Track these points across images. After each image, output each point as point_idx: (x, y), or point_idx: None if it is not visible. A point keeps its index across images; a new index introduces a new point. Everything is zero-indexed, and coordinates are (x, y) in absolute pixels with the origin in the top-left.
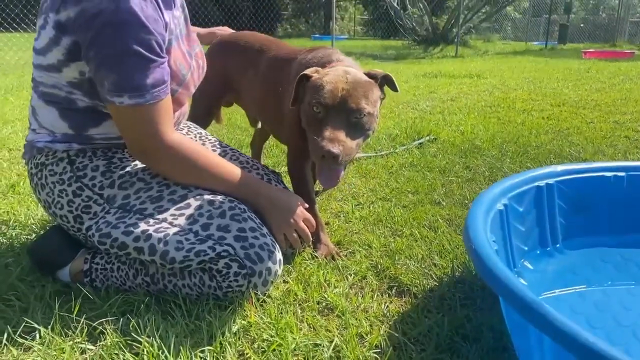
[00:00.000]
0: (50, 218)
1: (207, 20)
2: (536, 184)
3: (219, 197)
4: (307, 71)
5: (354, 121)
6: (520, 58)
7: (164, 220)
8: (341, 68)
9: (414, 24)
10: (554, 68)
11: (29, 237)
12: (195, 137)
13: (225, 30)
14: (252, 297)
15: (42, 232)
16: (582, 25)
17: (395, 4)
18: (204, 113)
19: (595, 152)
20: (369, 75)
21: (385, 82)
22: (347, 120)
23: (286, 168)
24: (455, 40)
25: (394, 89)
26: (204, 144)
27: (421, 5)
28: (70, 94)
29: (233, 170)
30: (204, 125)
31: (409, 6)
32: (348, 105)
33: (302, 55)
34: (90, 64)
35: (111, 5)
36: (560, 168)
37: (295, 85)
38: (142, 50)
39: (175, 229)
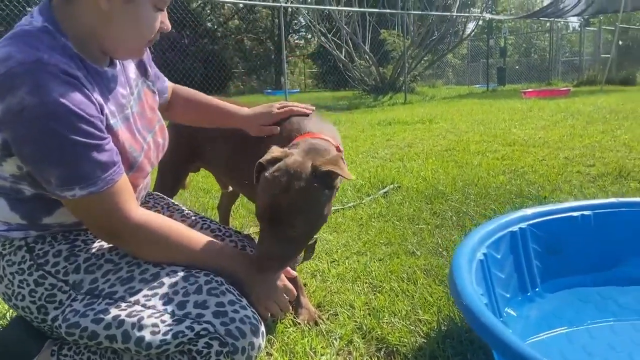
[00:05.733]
0: (12, 310)
1: None
2: (510, 229)
3: (194, 272)
4: (264, 159)
5: (291, 235)
6: (466, 101)
7: (137, 302)
8: (290, 164)
9: (362, 75)
10: (499, 109)
11: None
12: (163, 208)
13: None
14: None
15: (1, 326)
16: (517, 67)
17: (343, 57)
18: (172, 183)
19: (554, 190)
20: (315, 171)
21: (334, 176)
22: (283, 234)
23: (255, 229)
24: (403, 87)
25: (347, 177)
26: (172, 215)
27: (367, 57)
28: (15, 184)
29: (207, 244)
30: (172, 194)
31: (356, 58)
32: (284, 222)
33: None
34: (26, 162)
35: (34, 100)
36: (529, 211)
37: (255, 170)
38: (81, 138)
39: (150, 311)
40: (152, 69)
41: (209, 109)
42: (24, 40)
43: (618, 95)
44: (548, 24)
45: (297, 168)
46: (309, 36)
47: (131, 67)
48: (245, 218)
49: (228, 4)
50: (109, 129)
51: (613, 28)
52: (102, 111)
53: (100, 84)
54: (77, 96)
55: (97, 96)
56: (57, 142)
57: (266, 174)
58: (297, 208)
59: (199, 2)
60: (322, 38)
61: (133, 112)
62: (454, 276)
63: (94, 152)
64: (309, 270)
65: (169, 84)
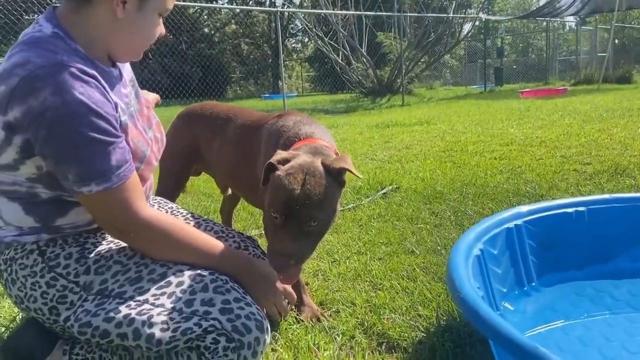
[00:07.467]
0: (22, 313)
1: (156, 89)
2: (505, 226)
3: (200, 271)
4: (274, 159)
5: (307, 230)
6: (463, 102)
7: (146, 301)
8: (302, 163)
9: (360, 78)
10: (496, 109)
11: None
12: (167, 212)
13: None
14: None
15: (14, 328)
16: (514, 67)
17: (340, 60)
18: (173, 186)
19: (550, 188)
20: (326, 168)
21: (344, 173)
22: (301, 228)
23: (257, 231)
24: (400, 89)
25: (356, 175)
26: (176, 218)
27: (364, 59)
28: (31, 188)
29: (212, 244)
30: (174, 198)
31: (353, 61)
32: (302, 216)
33: (271, 121)
34: (47, 161)
35: (57, 100)
36: (525, 209)
37: (264, 171)
38: (98, 136)
39: (159, 310)
40: None
41: None
42: (39, 46)
43: (614, 94)
44: (545, 24)
45: (310, 166)
46: (306, 40)
47: (126, 69)
48: (247, 220)
49: (225, 9)
50: (121, 125)
51: (609, 27)
52: (116, 109)
53: (111, 83)
54: (96, 95)
55: (112, 95)
56: (78, 140)
57: (278, 172)
58: (315, 201)
59: (196, 7)
60: (319, 41)
61: (134, 109)
62: (451, 271)
63: (109, 149)
64: (310, 270)
65: None
